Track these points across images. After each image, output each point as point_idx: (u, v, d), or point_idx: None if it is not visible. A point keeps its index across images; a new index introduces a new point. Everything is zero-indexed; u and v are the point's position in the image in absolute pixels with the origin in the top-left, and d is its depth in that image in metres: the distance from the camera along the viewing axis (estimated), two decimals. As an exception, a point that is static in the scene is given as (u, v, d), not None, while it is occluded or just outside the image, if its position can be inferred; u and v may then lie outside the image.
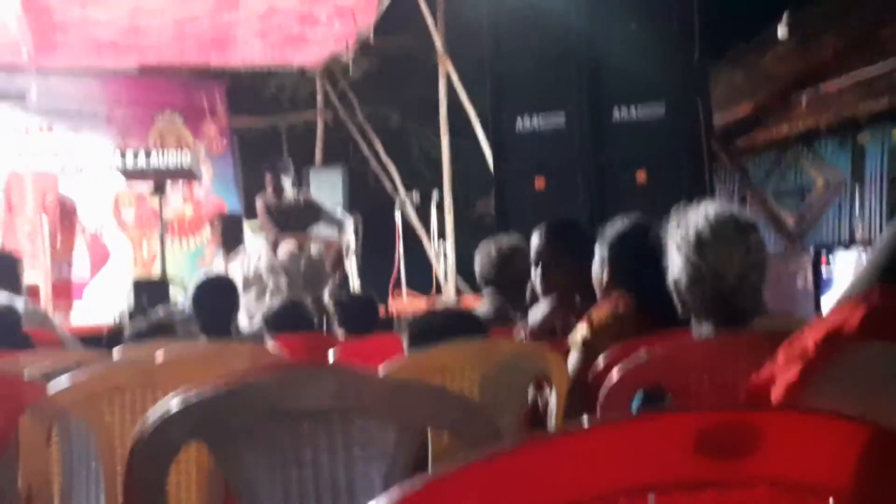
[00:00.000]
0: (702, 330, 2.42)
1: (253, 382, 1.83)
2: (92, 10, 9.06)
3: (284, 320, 4.96)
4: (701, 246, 2.30)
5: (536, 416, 2.96)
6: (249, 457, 1.79)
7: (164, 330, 4.53)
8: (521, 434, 2.75)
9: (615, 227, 3.18)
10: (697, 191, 6.32)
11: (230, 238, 7.93)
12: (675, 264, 2.36)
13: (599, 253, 3.16)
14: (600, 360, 2.57)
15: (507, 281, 4.36)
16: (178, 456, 1.78)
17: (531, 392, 2.98)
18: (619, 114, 7.54)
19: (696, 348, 2.42)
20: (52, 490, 2.77)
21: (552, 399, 2.81)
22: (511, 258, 4.37)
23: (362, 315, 5.25)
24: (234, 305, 4.70)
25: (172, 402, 1.74)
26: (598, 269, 3.16)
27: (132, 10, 9.18)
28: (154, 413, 1.74)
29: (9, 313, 4.75)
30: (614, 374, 2.25)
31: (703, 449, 0.93)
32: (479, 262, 4.51)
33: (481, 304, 4.52)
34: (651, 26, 7.40)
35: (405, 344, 3.33)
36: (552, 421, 2.81)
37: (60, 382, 2.62)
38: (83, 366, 2.89)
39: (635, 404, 2.33)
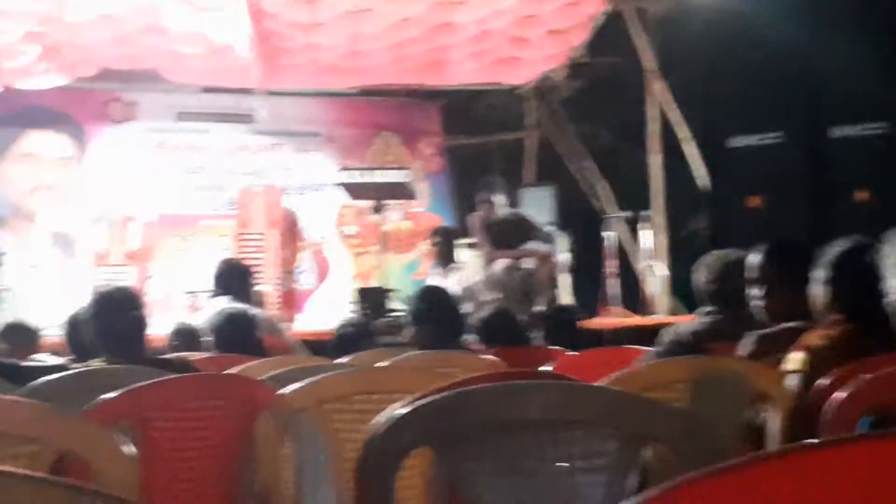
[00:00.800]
0: None
1: (480, 390, 1.88)
2: (316, 36, 9.50)
3: (497, 331, 5.03)
4: None
5: (751, 436, 2.86)
6: (474, 464, 1.82)
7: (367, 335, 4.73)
8: (739, 453, 2.74)
9: (835, 248, 3.08)
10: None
11: (446, 253, 8.16)
12: (894, 287, 2.27)
13: (820, 274, 3.07)
14: (823, 382, 2.49)
15: (727, 296, 4.24)
16: (407, 460, 1.82)
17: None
18: (837, 132, 7.39)
19: None
20: (285, 489, 2.90)
21: (772, 419, 2.74)
22: (732, 272, 4.19)
23: (566, 328, 5.32)
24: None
25: (402, 408, 1.82)
26: (820, 290, 3.07)
27: (353, 35, 9.56)
28: (384, 417, 1.82)
29: (246, 320, 5.11)
30: (839, 395, 2.17)
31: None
32: (698, 276, 4.47)
33: (697, 320, 4.49)
34: (873, 46, 7.22)
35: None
36: (771, 441, 2.73)
37: (293, 386, 2.77)
38: (312, 371, 3.07)
39: (860, 430, 2.17)
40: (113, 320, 3.75)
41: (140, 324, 3.84)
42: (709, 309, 4.31)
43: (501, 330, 5.03)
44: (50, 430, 1.95)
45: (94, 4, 8.29)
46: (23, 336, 5.54)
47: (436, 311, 4.72)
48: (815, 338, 2.90)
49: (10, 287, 9.21)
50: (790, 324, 3.31)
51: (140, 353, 3.71)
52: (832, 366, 2.62)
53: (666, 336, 4.30)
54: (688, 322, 4.49)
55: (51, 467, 1.88)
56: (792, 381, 2.82)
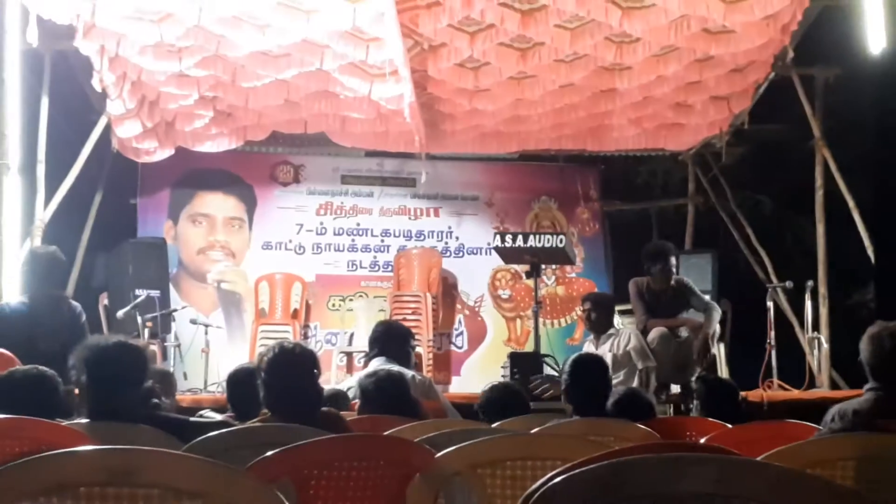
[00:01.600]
0: None
1: (636, 461, 1.84)
2: (478, 102, 9.66)
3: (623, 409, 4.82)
4: None
5: None
6: None
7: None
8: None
9: None
10: None
11: (597, 320, 8.08)
12: None
13: None
14: None
15: (891, 371, 4.15)
16: None
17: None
18: None
19: None
20: None
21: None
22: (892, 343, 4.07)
23: (725, 401, 5.15)
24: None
25: (557, 475, 1.81)
26: None
27: (515, 101, 9.66)
28: (539, 484, 1.81)
29: (401, 382, 5.15)
30: None
31: None
32: (866, 350, 4.30)
33: (862, 398, 4.32)
34: None
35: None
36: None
37: (447, 449, 2.80)
38: (466, 435, 3.09)
39: None
40: (287, 378, 3.84)
41: (312, 380, 3.92)
42: (871, 385, 4.15)
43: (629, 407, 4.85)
44: (212, 484, 2.02)
45: (266, 70, 8.63)
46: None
47: (586, 380, 4.67)
48: None
49: (179, 343, 9.59)
50: None
51: (306, 410, 3.77)
52: None
53: (830, 414, 4.15)
54: (852, 400, 4.33)
55: None
56: None
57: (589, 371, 4.77)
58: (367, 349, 6.86)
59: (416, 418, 4.40)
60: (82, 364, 3.63)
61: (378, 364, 6.05)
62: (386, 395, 4.79)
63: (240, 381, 4.86)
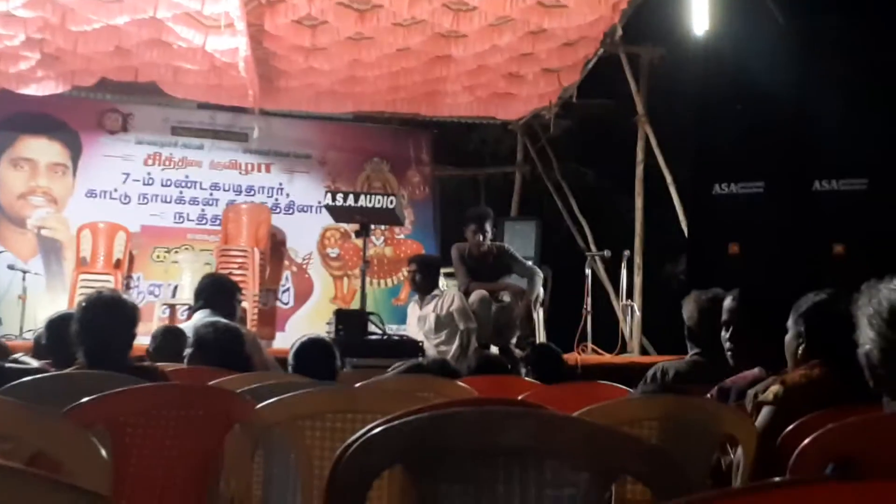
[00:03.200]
0: (893, 405, 2.29)
1: (454, 414, 1.89)
2: (315, 60, 9.60)
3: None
4: (894, 319, 2.19)
5: (719, 475, 2.97)
6: (445, 487, 1.83)
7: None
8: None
9: (810, 298, 3.16)
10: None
11: (422, 281, 8.21)
12: (866, 338, 2.27)
13: (794, 324, 3.16)
14: (791, 428, 2.51)
15: (708, 337, 4.30)
16: (377, 480, 1.83)
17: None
18: (819, 185, 7.51)
19: (891, 422, 2.27)
20: (254, 503, 2.94)
21: (740, 459, 2.81)
22: (712, 312, 4.28)
23: (551, 365, 5.37)
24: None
25: (376, 427, 1.84)
26: (793, 340, 3.16)
27: (351, 61, 9.64)
28: (358, 436, 1.83)
29: (235, 336, 5.13)
30: (806, 441, 2.17)
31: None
32: (687, 316, 4.50)
33: (682, 360, 4.56)
34: (860, 103, 7.35)
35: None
36: (738, 481, 2.79)
37: (267, 401, 2.81)
38: (287, 388, 3.07)
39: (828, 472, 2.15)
40: (100, 325, 3.79)
41: (127, 331, 3.88)
42: (694, 350, 4.41)
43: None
44: (26, 428, 1.99)
45: (98, 15, 8.35)
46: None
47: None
48: (795, 375, 2.99)
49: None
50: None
51: (121, 360, 3.75)
52: (806, 403, 2.69)
53: (651, 372, 4.40)
54: (675, 361, 4.57)
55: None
56: (765, 414, 2.90)
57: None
58: (191, 302, 6.79)
59: (246, 371, 4.40)
60: None
61: (202, 316, 6.00)
62: (222, 348, 4.77)
63: (58, 328, 4.74)
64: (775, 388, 2.95)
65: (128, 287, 10.72)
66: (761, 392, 3.02)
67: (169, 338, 5.72)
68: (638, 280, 10.23)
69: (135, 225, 11.20)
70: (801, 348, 3.12)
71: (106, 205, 11.28)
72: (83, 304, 3.89)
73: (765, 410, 2.92)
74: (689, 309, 4.46)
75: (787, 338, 3.21)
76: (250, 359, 5.10)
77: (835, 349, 2.94)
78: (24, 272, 9.70)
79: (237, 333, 5.07)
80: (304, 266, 11.89)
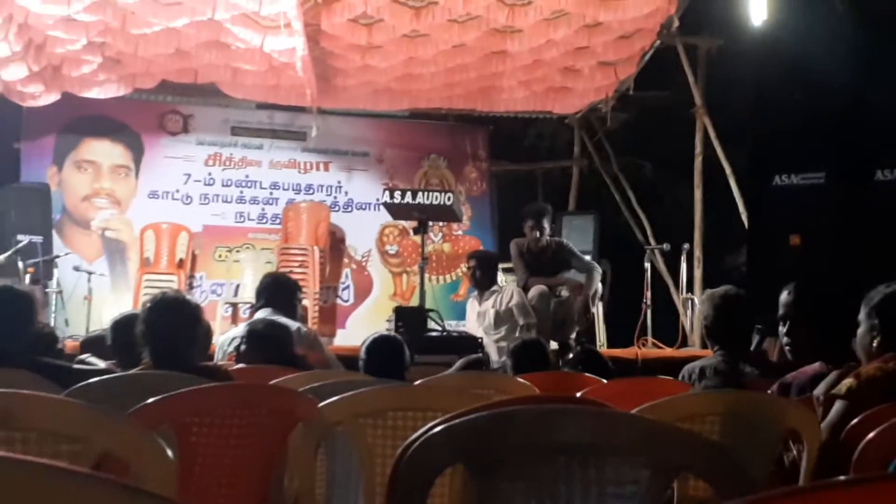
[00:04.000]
0: None
1: (515, 412, 1.89)
2: (371, 59, 9.66)
3: (527, 359, 5.04)
4: None
5: (783, 472, 2.92)
6: (506, 485, 1.82)
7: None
8: (770, 488, 2.71)
9: (882, 291, 3.11)
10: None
11: (481, 277, 8.23)
12: None
13: (867, 317, 3.11)
14: (856, 422, 2.50)
15: (726, 332, 4.33)
16: (439, 477, 1.84)
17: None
18: (882, 175, 7.38)
19: None
20: (316, 499, 2.96)
21: (803, 456, 2.77)
22: (726, 309, 4.32)
23: (594, 362, 5.32)
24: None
25: (437, 426, 1.84)
26: (866, 333, 3.11)
27: (407, 59, 9.68)
28: (418, 434, 1.83)
29: (283, 333, 5.19)
30: (871, 435, 2.18)
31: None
32: (703, 315, 4.47)
33: (710, 357, 4.53)
34: (920, 89, 7.22)
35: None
36: (802, 477, 2.75)
37: (330, 399, 2.82)
38: (349, 386, 3.09)
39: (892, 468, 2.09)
40: (165, 325, 3.85)
41: (192, 331, 3.93)
42: (718, 348, 4.35)
43: (532, 358, 5.04)
44: (93, 430, 2.00)
45: (158, 18, 8.47)
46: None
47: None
48: (871, 369, 2.94)
49: (61, 289, 9.42)
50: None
51: (187, 360, 3.79)
52: (881, 397, 2.66)
53: (684, 373, 4.35)
54: (701, 360, 4.51)
55: (91, 468, 1.90)
56: (838, 408, 2.85)
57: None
58: (252, 301, 6.86)
59: (299, 369, 4.44)
60: None
61: (264, 315, 6.07)
62: (271, 342, 4.83)
63: (123, 328, 4.81)
64: (849, 381, 2.90)
65: (191, 287, 10.87)
66: (834, 386, 2.98)
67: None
68: (698, 273, 10.15)
69: (197, 225, 11.36)
70: (875, 342, 3.06)
71: (168, 205, 11.45)
72: (148, 304, 3.93)
73: (837, 404, 2.87)
74: (705, 308, 4.41)
75: (860, 331, 3.15)
76: (302, 358, 5.14)
77: None
78: (90, 273, 9.87)
79: (286, 331, 5.13)
80: (364, 263, 11.96)
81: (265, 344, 4.83)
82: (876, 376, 2.87)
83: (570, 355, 5.76)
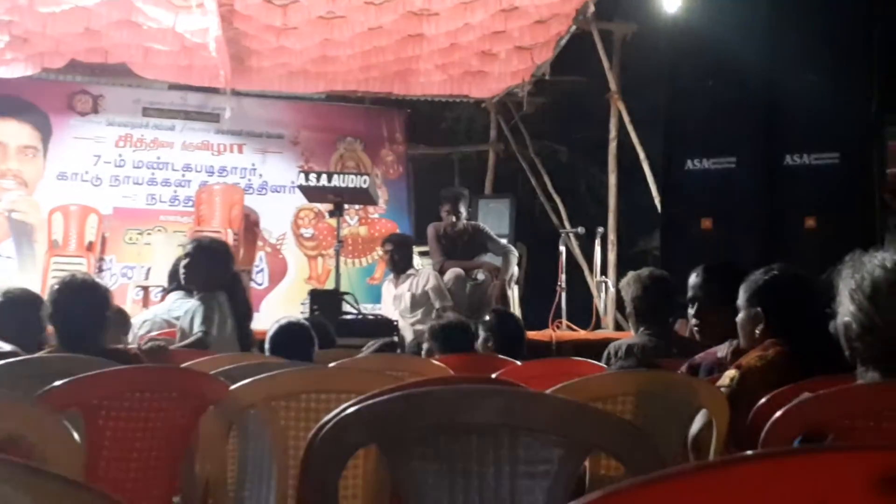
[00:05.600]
0: (867, 377, 2.27)
1: (428, 392, 1.89)
2: (286, 40, 9.55)
3: (450, 340, 5.00)
4: (876, 294, 2.18)
5: (694, 450, 2.93)
6: (419, 464, 1.83)
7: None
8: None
9: (761, 275, 3.18)
10: (867, 241, 6.28)
11: (398, 261, 8.24)
12: (846, 310, 2.26)
13: (747, 304, 3.17)
14: (763, 401, 2.52)
15: (656, 312, 4.46)
16: (352, 459, 1.85)
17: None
18: (791, 160, 7.55)
19: (866, 392, 2.28)
20: (227, 483, 2.92)
21: (713, 434, 2.80)
22: (655, 289, 4.44)
23: (514, 340, 5.33)
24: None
25: (350, 407, 1.83)
26: (748, 320, 3.17)
27: (323, 41, 9.60)
28: (332, 415, 1.82)
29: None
30: (777, 414, 2.19)
31: (887, 489, 0.88)
32: (631, 296, 4.56)
33: (635, 337, 4.61)
34: (829, 77, 7.39)
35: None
36: (712, 455, 2.78)
37: (242, 382, 2.80)
38: (262, 368, 3.07)
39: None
40: (73, 309, 3.77)
41: (100, 314, 3.86)
42: (643, 328, 4.43)
43: (456, 339, 5.01)
44: None
45: (66, -5, 8.27)
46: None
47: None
48: (751, 358, 3.00)
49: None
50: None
51: (95, 343, 3.73)
52: (765, 385, 2.69)
53: (609, 351, 4.42)
54: (627, 339, 4.60)
55: None
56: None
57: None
58: (164, 284, 6.75)
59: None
60: None
61: (175, 298, 5.98)
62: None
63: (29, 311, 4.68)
64: (731, 372, 2.96)
65: (100, 270, 10.67)
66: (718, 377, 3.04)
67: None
68: (612, 256, 10.28)
69: (107, 207, 11.15)
70: (758, 329, 3.13)
71: (77, 187, 11.21)
72: (55, 287, 3.87)
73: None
74: (634, 288, 4.49)
75: (741, 318, 3.21)
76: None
77: (793, 325, 3.00)
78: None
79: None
80: (278, 246, 11.87)
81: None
82: (756, 366, 2.94)
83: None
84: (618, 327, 10.00)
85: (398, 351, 6.40)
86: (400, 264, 8.15)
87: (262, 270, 11.69)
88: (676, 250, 7.91)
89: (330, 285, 9.65)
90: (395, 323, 7.72)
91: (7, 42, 9.47)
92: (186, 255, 5.58)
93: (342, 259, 8.73)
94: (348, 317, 7.77)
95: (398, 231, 11.47)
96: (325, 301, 7.77)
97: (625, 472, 1.83)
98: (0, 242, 10.68)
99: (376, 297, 10.14)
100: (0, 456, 1.07)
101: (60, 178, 11.23)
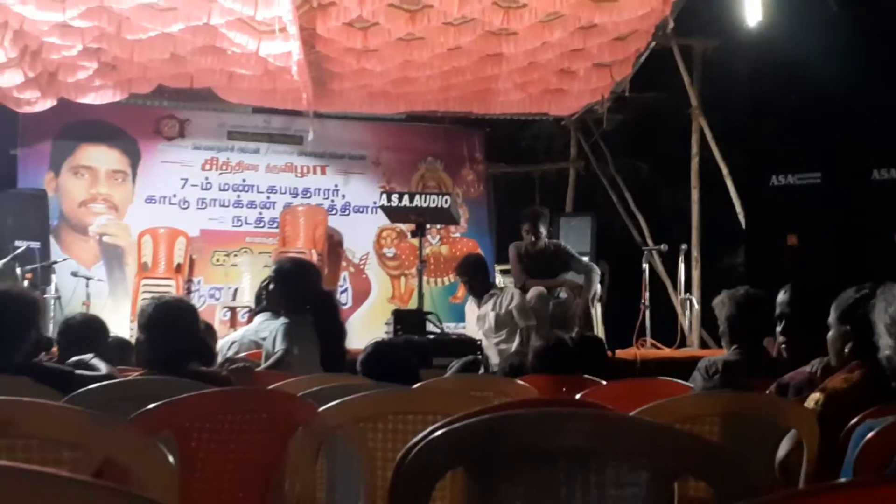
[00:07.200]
0: None
1: (514, 416, 1.89)
2: (367, 62, 9.66)
3: (546, 360, 4.94)
4: None
5: (782, 473, 2.88)
6: (507, 488, 1.82)
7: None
8: (770, 489, 2.63)
9: (850, 295, 3.13)
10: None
11: (479, 285, 8.22)
12: (886, 344, 2.27)
13: (837, 322, 3.13)
14: (853, 421, 2.48)
15: (750, 331, 4.37)
16: (440, 481, 1.82)
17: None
18: (878, 175, 7.41)
19: None
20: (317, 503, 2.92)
21: (803, 456, 2.76)
22: (749, 308, 4.35)
23: (596, 359, 5.27)
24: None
25: (437, 429, 1.82)
26: (837, 339, 3.13)
27: (403, 62, 9.68)
28: (420, 438, 1.83)
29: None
30: (870, 436, 2.17)
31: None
32: (724, 314, 4.55)
33: (728, 354, 4.55)
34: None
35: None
36: (802, 479, 2.74)
37: (330, 404, 2.81)
38: (349, 390, 3.06)
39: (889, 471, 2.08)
40: (163, 331, 3.84)
41: (190, 336, 3.92)
42: (734, 346, 4.39)
43: (559, 359, 4.94)
44: (94, 437, 2.00)
45: (153, 23, 8.47)
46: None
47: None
48: (837, 381, 2.95)
49: (60, 295, 9.42)
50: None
51: (185, 365, 3.77)
52: (851, 408, 2.64)
53: (700, 367, 4.38)
54: (720, 355, 4.55)
55: (93, 475, 1.89)
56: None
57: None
58: (251, 305, 6.85)
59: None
60: None
61: (262, 319, 6.06)
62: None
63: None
64: (816, 395, 2.92)
65: (189, 291, 10.87)
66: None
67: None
68: (696, 273, 10.16)
69: (194, 229, 11.38)
70: (847, 347, 3.08)
71: (165, 210, 11.45)
72: (146, 310, 3.92)
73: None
74: (728, 307, 4.44)
75: (831, 335, 3.18)
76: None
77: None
78: (88, 279, 9.88)
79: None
80: (362, 266, 11.97)
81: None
82: (841, 388, 2.89)
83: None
84: (703, 345, 9.88)
85: (481, 370, 6.40)
86: (479, 289, 8.15)
87: (345, 290, 11.80)
88: (761, 267, 7.82)
89: (412, 305, 9.70)
90: (479, 342, 7.72)
91: (96, 69, 9.72)
92: (272, 277, 5.68)
93: (424, 278, 8.76)
94: (431, 336, 7.80)
95: (479, 250, 11.47)
96: (408, 321, 7.82)
97: (715, 496, 1.79)
98: (91, 266, 10.93)
99: (459, 316, 10.16)
100: (99, 482, 1.11)
101: (149, 201, 11.49)
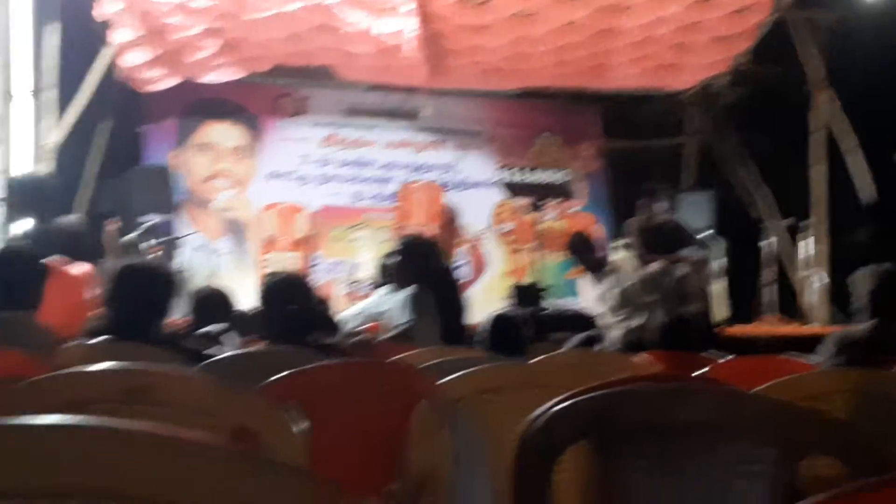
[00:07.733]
0: None
1: (636, 390, 1.93)
2: (481, 38, 9.65)
3: (667, 336, 4.89)
4: None
5: None
6: (632, 462, 1.84)
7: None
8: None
9: None
10: None
11: (591, 262, 8.17)
12: None
13: None
14: None
15: (890, 306, 4.30)
16: (563, 455, 1.84)
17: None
18: None
19: None
20: (441, 477, 2.93)
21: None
22: (890, 283, 4.31)
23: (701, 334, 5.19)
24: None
25: (560, 403, 1.84)
26: None
27: (517, 38, 9.64)
28: (543, 411, 1.84)
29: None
30: None
31: None
32: (864, 290, 4.47)
33: (860, 330, 4.45)
34: None
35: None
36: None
37: (452, 376, 2.85)
38: (470, 362, 3.10)
39: None
40: (283, 305, 3.92)
41: (309, 309, 4.01)
42: (873, 321, 4.28)
43: (683, 336, 4.87)
44: (228, 405, 2.08)
45: (271, 3, 8.63)
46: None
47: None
48: None
49: (184, 269, 9.71)
50: None
51: (305, 337, 3.83)
52: None
53: (829, 342, 4.28)
54: (852, 330, 4.44)
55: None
56: None
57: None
58: (370, 278, 6.94)
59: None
60: (112, 283, 3.72)
61: (384, 292, 6.15)
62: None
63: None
64: None
65: (309, 265, 11.07)
66: None
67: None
68: (821, 248, 9.92)
69: (314, 205, 11.58)
70: None
71: (286, 186, 11.67)
72: (265, 285, 4.03)
73: None
74: (872, 281, 4.35)
75: None
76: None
77: None
78: (214, 253, 10.13)
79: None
80: (478, 242, 12.02)
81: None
82: None
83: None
84: (828, 321, 9.65)
85: (598, 346, 6.38)
86: (594, 267, 8.10)
87: (462, 265, 11.87)
88: (889, 242, 7.58)
89: (529, 280, 9.69)
90: (594, 318, 7.69)
91: (216, 48, 9.94)
92: (397, 251, 5.77)
93: (541, 253, 8.76)
94: (548, 311, 7.79)
95: (596, 225, 11.38)
96: (525, 295, 7.84)
97: (845, 473, 1.78)
98: (215, 239, 11.22)
99: (575, 291, 10.12)
100: (245, 450, 1.16)
101: (270, 177, 11.71)
